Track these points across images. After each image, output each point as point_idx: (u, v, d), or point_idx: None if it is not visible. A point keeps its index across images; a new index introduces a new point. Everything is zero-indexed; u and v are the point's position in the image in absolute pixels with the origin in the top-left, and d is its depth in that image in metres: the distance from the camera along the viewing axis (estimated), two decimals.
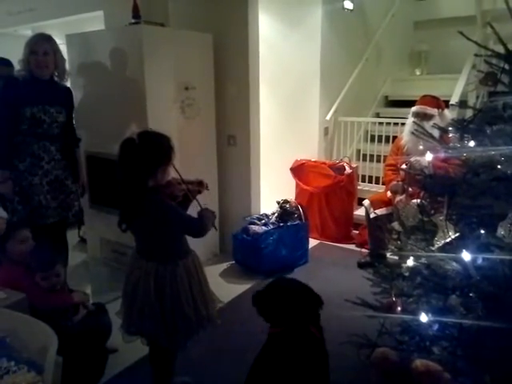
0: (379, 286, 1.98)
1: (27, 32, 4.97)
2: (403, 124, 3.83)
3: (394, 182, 2.92)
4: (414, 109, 3.16)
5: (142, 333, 1.76)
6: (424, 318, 1.65)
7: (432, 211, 1.70)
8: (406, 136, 3.18)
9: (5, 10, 4.82)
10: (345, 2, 4.21)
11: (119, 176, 1.66)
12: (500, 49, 1.73)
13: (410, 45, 5.45)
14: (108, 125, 3.06)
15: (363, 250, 3.58)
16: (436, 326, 1.69)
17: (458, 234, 1.59)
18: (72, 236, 3.60)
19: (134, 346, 1.88)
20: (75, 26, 4.35)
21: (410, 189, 2.79)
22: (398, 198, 2.98)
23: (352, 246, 3.72)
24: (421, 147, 2.44)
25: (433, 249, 1.64)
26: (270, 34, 3.71)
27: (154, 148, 1.64)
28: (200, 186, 1.87)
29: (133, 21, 2.86)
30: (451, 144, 1.78)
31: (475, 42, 1.76)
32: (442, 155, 1.76)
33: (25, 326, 1.38)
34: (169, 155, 1.67)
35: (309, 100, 4.15)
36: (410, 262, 1.82)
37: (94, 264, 3.44)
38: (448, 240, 1.61)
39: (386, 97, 5.20)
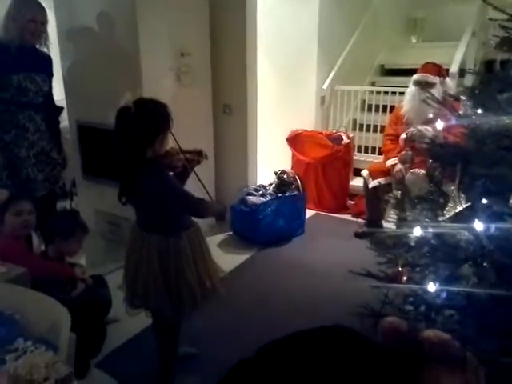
0: (384, 256, 1.97)
1: None
2: (401, 93, 3.77)
3: (404, 152, 2.88)
4: (415, 77, 3.08)
5: (147, 306, 1.73)
6: (432, 287, 1.65)
7: (442, 181, 1.67)
8: (406, 105, 3.11)
9: None
10: None
11: (116, 147, 1.59)
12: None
13: (406, 12, 5.32)
14: (100, 93, 2.94)
15: (359, 220, 3.58)
16: (443, 296, 1.69)
17: (469, 204, 1.57)
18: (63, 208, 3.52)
19: (136, 317, 1.86)
20: None
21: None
22: (400, 167, 2.95)
23: (348, 217, 3.71)
24: (430, 115, 2.39)
25: (443, 219, 1.62)
26: (266, 1, 3.57)
27: (151, 116, 1.56)
28: (199, 155, 1.81)
29: None
30: (462, 112, 1.73)
31: (492, 5, 1.67)
32: (453, 123, 1.72)
33: (32, 301, 1.32)
34: (167, 123, 1.59)
35: (306, 68, 4.05)
36: (417, 232, 1.80)
37: (89, 236, 3.34)
38: (459, 210, 1.58)
39: (382, 65, 5.10)
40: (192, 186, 1.77)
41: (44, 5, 2.44)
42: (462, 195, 1.59)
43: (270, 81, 3.86)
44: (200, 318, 1.99)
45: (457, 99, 1.87)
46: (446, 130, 2.03)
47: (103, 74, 2.88)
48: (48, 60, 2.58)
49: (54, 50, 2.68)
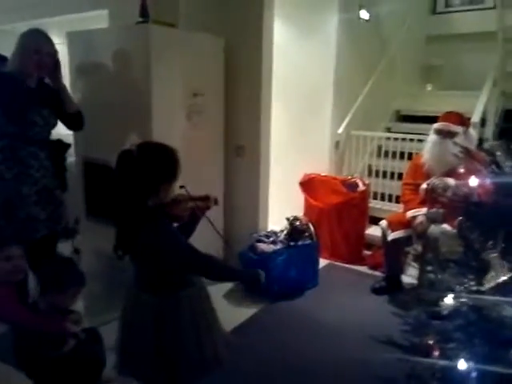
0: (409, 323, 1.76)
1: (25, 29, 4.75)
2: (420, 140, 3.66)
3: (434, 210, 2.69)
4: (436, 125, 2.95)
5: (137, 377, 1.52)
6: (463, 364, 1.44)
7: (480, 246, 1.48)
8: (426, 154, 2.97)
9: (3, 5, 4.60)
10: (361, 12, 4.04)
11: (116, 193, 1.44)
12: None
13: (422, 59, 5.29)
14: (109, 130, 2.84)
15: (376, 272, 3.36)
16: (474, 376, 1.47)
17: None
18: (65, 247, 3.35)
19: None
20: (76, 25, 4.13)
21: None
22: (422, 219, 2.77)
23: (364, 268, 3.50)
24: (461, 170, 2.23)
25: (483, 289, 1.43)
26: (282, 41, 3.53)
27: (155, 162, 1.41)
28: (208, 201, 1.65)
29: (140, 20, 2.65)
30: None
31: None
32: (488, 181, 1.55)
33: None
34: (173, 171, 1.44)
35: (320, 111, 3.97)
36: (449, 300, 1.60)
37: (89, 279, 3.14)
38: (502, 280, 1.39)
39: (398, 111, 5.02)
40: (203, 234, 1.61)
41: (56, 40, 2.38)
42: (506, 263, 1.40)
43: (284, 123, 3.77)
44: None
45: (489, 153, 1.70)
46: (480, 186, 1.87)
47: (113, 110, 2.79)
48: (55, 94, 2.49)
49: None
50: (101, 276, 3.05)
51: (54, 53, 2.30)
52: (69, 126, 2.50)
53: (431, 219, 2.71)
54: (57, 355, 1.80)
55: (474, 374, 1.44)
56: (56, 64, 2.33)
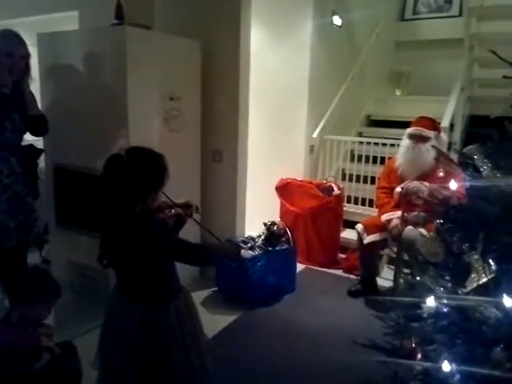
0: (389, 326, 1.78)
1: None
2: (392, 145, 3.73)
3: (415, 213, 2.73)
4: (409, 130, 3.01)
5: None
6: (446, 366, 1.46)
7: (462, 248, 1.51)
8: (400, 158, 3.03)
9: None
10: (334, 18, 4.10)
11: (101, 200, 1.39)
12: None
13: (391, 65, 5.42)
14: (81, 135, 2.75)
15: (351, 276, 3.40)
16: (457, 377, 1.50)
17: (494, 275, 1.42)
18: (32, 257, 3.21)
19: None
20: (45, 26, 4.00)
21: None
22: (396, 222, 2.82)
23: (339, 272, 3.52)
24: (441, 174, 2.28)
25: (465, 291, 1.46)
26: (257, 46, 3.53)
27: (146, 168, 1.39)
28: (190, 209, 1.64)
29: (115, 21, 2.58)
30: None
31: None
32: (468, 183, 1.58)
33: None
34: (162, 178, 1.42)
35: (295, 116, 3.99)
36: (431, 302, 1.62)
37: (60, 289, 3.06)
38: (483, 281, 1.42)
39: (369, 116, 5.11)
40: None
41: (27, 41, 2.28)
42: (486, 265, 1.44)
43: (259, 128, 3.76)
44: None
45: (467, 156, 1.75)
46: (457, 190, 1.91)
47: (86, 114, 2.70)
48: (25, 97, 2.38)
49: (34, 87, 2.50)
50: (71, 286, 2.95)
51: (27, 56, 2.22)
52: (32, 131, 2.38)
53: (413, 223, 2.75)
54: (31, 371, 1.72)
55: (457, 376, 1.46)
56: (27, 67, 2.24)
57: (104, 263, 1.40)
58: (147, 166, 1.38)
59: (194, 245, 1.46)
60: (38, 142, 2.75)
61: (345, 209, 3.95)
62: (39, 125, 2.35)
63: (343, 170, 4.27)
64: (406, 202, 2.86)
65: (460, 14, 4.97)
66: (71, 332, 2.34)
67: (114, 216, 1.35)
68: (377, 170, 3.72)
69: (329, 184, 3.72)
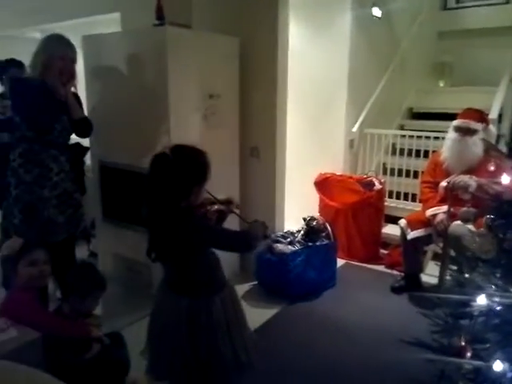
0: (436, 324, 1.73)
1: (35, 34, 4.76)
2: (436, 138, 3.62)
3: (465, 209, 2.64)
4: (455, 123, 2.90)
5: (171, 379, 1.51)
6: (498, 365, 1.40)
7: None
8: (446, 151, 2.92)
9: (12, 9, 4.60)
10: (373, 9, 4.01)
11: (148, 196, 1.43)
12: None
13: (434, 56, 5.25)
14: (125, 133, 2.83)
15: (394, 271, 3.33)
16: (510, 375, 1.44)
17: None
18: (81, 250, 3.35)
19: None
20: (86, 29, 4.15)
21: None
22: (442, 217, 2.73)
23: (381, 268, 3.46)
24: (492, 168, 2.19)
25: None
26: (296, 40, 3.51)
27: (190, 165, 1.43)
28: (231, 205, 1.66)
29: (156, 22, 2.63)
30: None
31: None
32: None
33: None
34: (205, 174, 1.45)
35: (335, 110, 3.94)
36: (482, 301, 1.56)
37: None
38: None
39: (410, 108, 4.97)
40: None
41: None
42: None
43: (298, 122, 3.73)
44: None
45: None
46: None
47: (129, 113, 2.78)
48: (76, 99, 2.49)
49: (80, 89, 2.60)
50: (117, 279, 3.06)
51: (76, 59, 2.31)
52: (76, 133, 2.46)
53: (462, 218, 2.65)
54: (81, 361, 1.80)
55: (510, 375, 1.41)
56: (75, 70, 2.34)
57: (152, 257, 1.44)
58: (192, 164, 1.41)
59: (238, 232, 1.54)
60: (84, 140, 2.86)
61: (386, 204, 3.87)
62: (82, 127, 2.43)
63: (384, 164, 4.18)
64: (452, 196, 2.77)
65: (508, 1, 4.74)
66: (118, 323, 2.43)
67: (161, 211, 1.39)
68: (420, 164, 3.62)
69: (370, 178, 3.65)
